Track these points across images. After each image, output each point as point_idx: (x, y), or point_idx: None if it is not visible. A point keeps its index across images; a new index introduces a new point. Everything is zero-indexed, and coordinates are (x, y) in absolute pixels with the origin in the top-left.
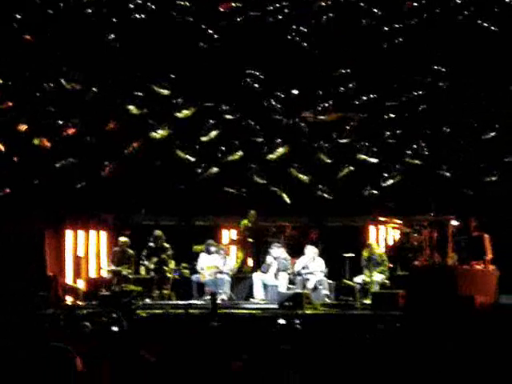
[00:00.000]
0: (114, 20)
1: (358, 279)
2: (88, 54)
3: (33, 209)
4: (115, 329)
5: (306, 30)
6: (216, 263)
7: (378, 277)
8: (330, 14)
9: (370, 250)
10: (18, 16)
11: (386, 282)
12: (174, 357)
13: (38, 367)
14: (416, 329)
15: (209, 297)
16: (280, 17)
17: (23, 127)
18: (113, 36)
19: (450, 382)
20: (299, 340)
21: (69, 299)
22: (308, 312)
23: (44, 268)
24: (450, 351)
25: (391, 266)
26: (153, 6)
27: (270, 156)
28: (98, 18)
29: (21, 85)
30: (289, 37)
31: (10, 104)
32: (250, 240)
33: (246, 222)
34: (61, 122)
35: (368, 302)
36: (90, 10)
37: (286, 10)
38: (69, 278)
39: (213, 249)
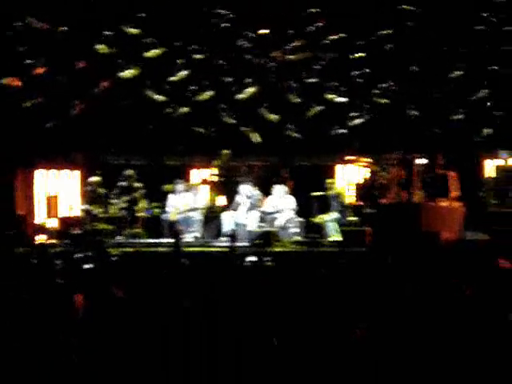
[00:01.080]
0: None
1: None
2: None
3: (2, 148)
4: (87, 266)
5: None
6: (187, 202)
7: (332, 216)
8: None
9: (330, 189)
10: None
11: (354, 219)
12: (143, 293)
13: (42, 304)
14: (380, 264)
15: (179, 235)
16: None
17: None
18: None
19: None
20: (271, 276)
21: (39, 238)
22: (277, 250)
23: (13, 207)
24: (409, 293)
25: (360, 203)
26: None
27: (240, 96)
28: None
29: None
30: None
31: None
32: (221, 179)
33: (218, 161)
34: (30, 61)
35: (336, 239)
36: None
37: None
38: (39, 218)
39: (182, 188)
